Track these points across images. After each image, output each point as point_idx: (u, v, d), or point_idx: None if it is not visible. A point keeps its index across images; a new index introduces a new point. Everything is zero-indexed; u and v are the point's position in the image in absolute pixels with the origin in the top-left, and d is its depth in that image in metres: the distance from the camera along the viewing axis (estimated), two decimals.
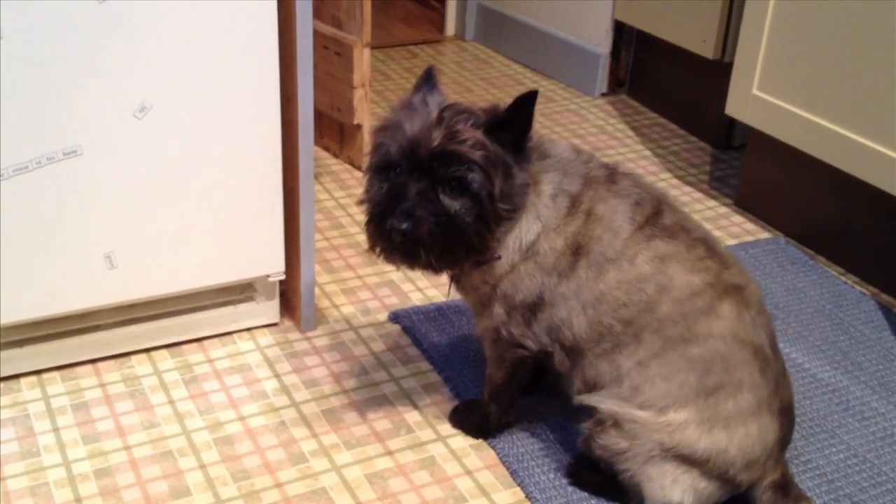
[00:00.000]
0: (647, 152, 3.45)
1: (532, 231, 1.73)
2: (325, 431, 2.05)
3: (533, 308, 1.78)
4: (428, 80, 1.75)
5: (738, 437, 1.68)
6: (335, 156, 3.24)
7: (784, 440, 1.76)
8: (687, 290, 1.68)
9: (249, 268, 2.21)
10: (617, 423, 1.72)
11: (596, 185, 1.75)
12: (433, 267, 1.67)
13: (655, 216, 1.74)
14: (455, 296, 1.95)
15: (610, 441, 1.73)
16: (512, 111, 1.63)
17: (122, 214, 2.01)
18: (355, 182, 3.09)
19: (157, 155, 1.99)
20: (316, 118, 3.15)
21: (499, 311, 1.81)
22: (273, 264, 2.23)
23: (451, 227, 1.62)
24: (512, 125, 1.63)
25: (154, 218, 2.05)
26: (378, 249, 1.69)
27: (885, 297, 2.66)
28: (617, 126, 3.65)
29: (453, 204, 1.62)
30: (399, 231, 1.59)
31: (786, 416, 1.75)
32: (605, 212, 1.73)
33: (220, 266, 2.18)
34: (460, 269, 1.77)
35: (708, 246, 1.75)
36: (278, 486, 1.90)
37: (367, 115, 3.06)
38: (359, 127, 3.07)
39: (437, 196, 1.62)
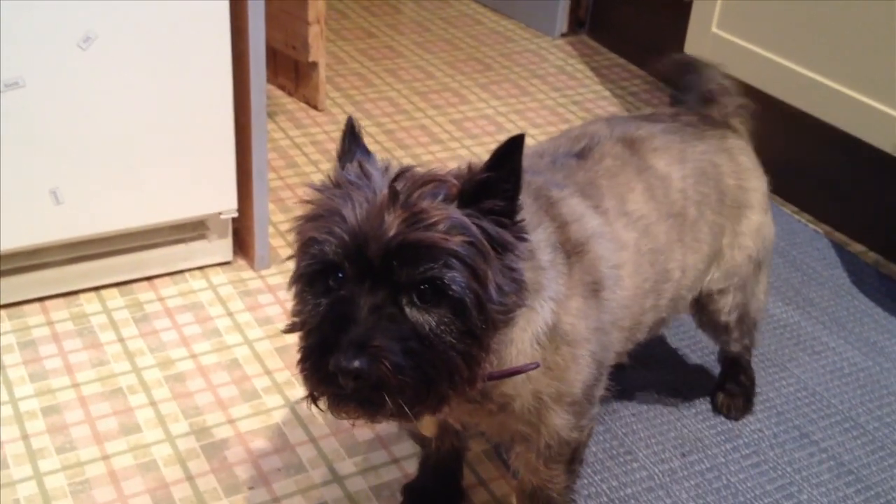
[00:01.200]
0: (607, 93, 3.43)
1: (549, 316, 1.34)
2: (278, 368, 2.03)
3: (597, 382, 1.47)
4: (354, 136, 1.27)
5: None
6: (290, 94, 3.18)
7: None
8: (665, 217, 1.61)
9: (201, 205, 2.18)
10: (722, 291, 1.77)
11: (550, 206, 1.43)
12: (405, 415, 1.18)
13: (593, 184, 1.56)
14: None
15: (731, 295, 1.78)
16: (495, 166, 1.18)
17: (67, 148, 1.96)
18: (311, 121, 3.04)
19: (102, 87, 1.94)
20: (270, 56, 3.10)
21: (560, 419, 1.42)
22: (225, 202, 2.19)
23: (427, 354, 1.15)
24: (495, 188, 1.19)
25: (101, 152, 2.00)
26: (322, 400, 1.20)
27: (839, 236, 2.68)
28: (577, 66, 3.62)
29: (427, 319, 1.15)
30: (349, 372, 1.11)
31: None
32: (580, 228, 1.45)
33: (171, 203, 2.14)
34: (444, 408, 1.24)
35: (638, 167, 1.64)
36: (231, 422, 1.89)
37: (322, 52, 3.00)
38: (314, 65, 3.01)
39: (401, 311, 1.15)
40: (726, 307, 1.79)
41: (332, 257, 1.15)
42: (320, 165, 2.79)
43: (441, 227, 1.14)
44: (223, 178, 2.15)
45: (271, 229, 2.46)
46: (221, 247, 2.30)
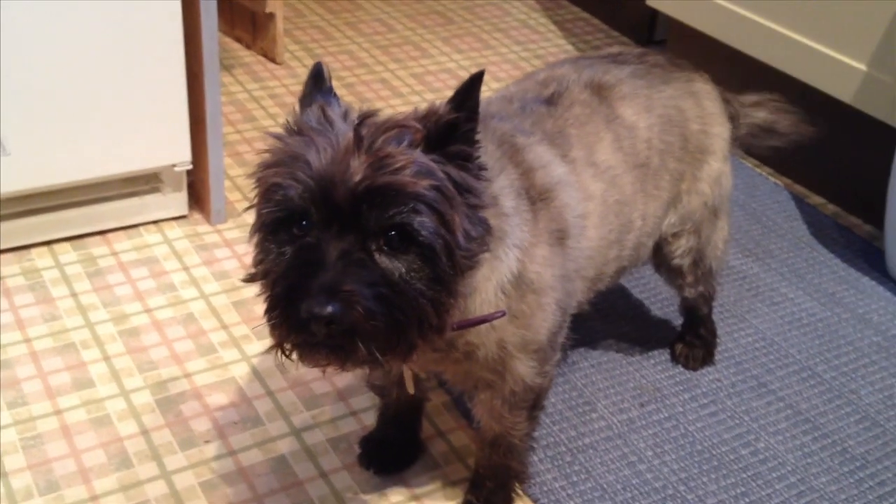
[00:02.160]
0: (570, 47, 3.40)
1: (514, 264, 1.33)
2: (235, 323, 2.01)
3: (560, 329, 1.48)
4: (318, 82, 1.23)
5: None
6: (248, 47, 3.12)
7: None
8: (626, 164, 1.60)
9: (154, 157, 2.13)
10: (676, 234, 1.76)
11: (514, 152, 1.41)
12: (376, 362, 1.16)
13: (561, 132, 1.55)
14: None
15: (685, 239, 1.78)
16: (457, 107, 1.16)
17: (12, 97, 1.90)
18: (269, 74, 2.99)
19: (47, 33, 1.88)
20: (226, 7, 3.04)
21: (524, 366, 1.42)
22: (179, 153, 2.15)
23: (397, 300, 1.14)
24: (457, 130, 1.17)
25: (47, 101, 1.94)
26: (290, 347, 1.17)
27: (799, 188, 2.69)
28: (540, 20, 3.58)
29: (397, 265, 1.14)
30: (322, 318, 1.09)
31: None
32: (546, 175, 1.43)
33: (122, 155, 2.09)
34: (413, 355, 1.23)
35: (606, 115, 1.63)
36: (187, 376, 1.86)
37: (279, 3, 2.94)
38: (271, 16, 2.95)
39: (370, 257, 1.13)
40: (679, 250, 1.78)
41: (297, 202, 1.13)
42: (278, 119, 2.75)
43: (408, 171, 1.12)
44: (176, 129, 2.10)
45: (228, 183, 2.42)
46: (176, 200, 2.25)
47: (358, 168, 1.11)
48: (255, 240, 1.21)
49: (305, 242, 1.14)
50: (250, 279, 1.21)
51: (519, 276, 1.34)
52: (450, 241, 1.15)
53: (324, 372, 1.24)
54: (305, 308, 1.09)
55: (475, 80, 1.16)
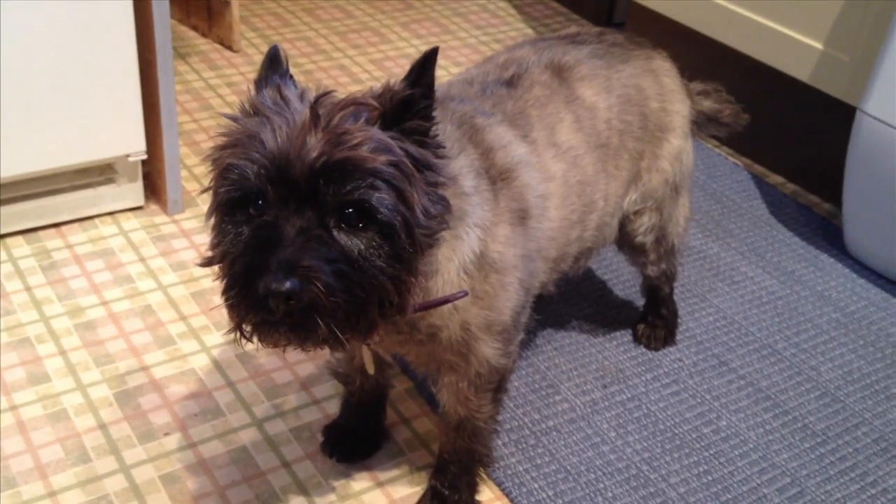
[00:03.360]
0: (529, 31, 3.39)
1: (475, 243, 1.32)
2: (193, 314, 1.98)
3: (523, 309, 1.47)
4: (274, 64, 1.22)
5: None
6: (203, 35, 3.07)
7: None
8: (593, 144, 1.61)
9: (107, 147, 2.09)
10: (638, 212, 1.76)
11: (474, 133, 1.40)
12: (337, 340, 1.15)
13: (523, 111, 1.53)
14: None
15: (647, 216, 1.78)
16: (413, 83, 1.16)
17: None
18: (226, 62, 2.95)
19: None
20: None
21: (489, 348, 1.42)
22: (132, 143, 2.11)
23: (356, 278, 1.12)
24: (414, 106, 1.17)
25: None
26: (249, 327, 1.15)
27: (758, 168, 2.70)
28: (499, 5, 3.57)
29: (356, 242, 1.13)
30: (280, 294, 1.07)
31: None
32: (507, 155, 1.43)
33: (75, 145, 2.05)
34: (374, 334, 1.22)
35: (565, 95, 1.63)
36: (144, 368, 1.83)
37: None
38: (227, 3, 2.91)
39: (328, 233, 1.12)
40: (642, 227, 1.79)
41: (253, 181, 1.11)
42: (235, 107, 2.69)
43: (365, 147, 1.11)
44: (129, 118, 2.07)
45: (185, 173, 2.39)
46: (132, 191, 2.22)
47: (315, 145, 1.10)
48: (211, 222, 1.20)
49: (263, 221, 1.13)
50: (207, 262, 1.19)
51: (481, 256, 1.34)
52: (409, 218, 1.14)
53: (283, 352, 1.22)
54: (263, 284, 1.07)
55: (429, 57, 1.15)
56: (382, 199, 1.11)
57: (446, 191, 1.23)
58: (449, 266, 1.31)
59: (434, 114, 1.19)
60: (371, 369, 1.48)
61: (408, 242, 1.15)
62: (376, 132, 1.13)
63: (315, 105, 1.14)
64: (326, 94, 1.17)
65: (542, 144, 1.52)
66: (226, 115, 1.20)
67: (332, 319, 1.12)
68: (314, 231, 1.11)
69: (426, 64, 1.15)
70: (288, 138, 1.11)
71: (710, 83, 1.90)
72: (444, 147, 1.22)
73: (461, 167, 1.33)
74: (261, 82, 1.21)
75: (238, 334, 1.17)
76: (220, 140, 1.19)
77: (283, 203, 1.12)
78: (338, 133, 1.11)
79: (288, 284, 1.07)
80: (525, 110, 1.53)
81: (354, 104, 1.15)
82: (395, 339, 1.39)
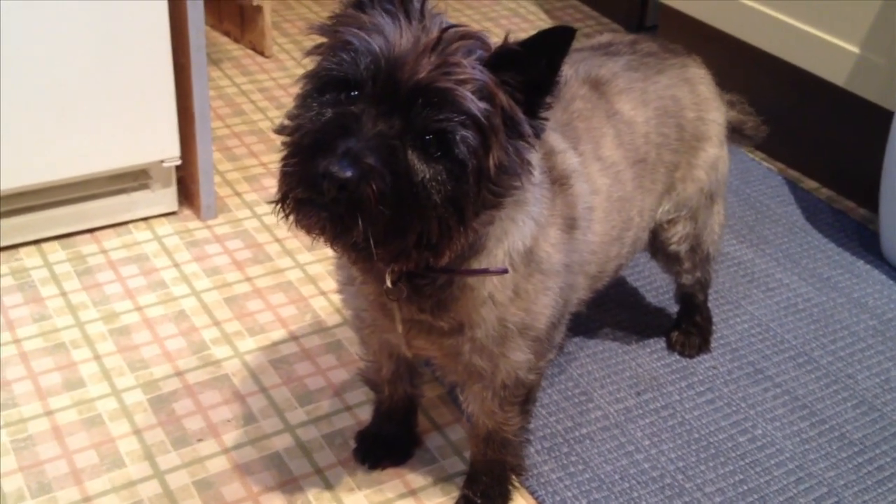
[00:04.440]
0: None
1: (528, 235, 1.32)
2: (227, 319, 1.99)
3: (559, 323, 1.46)
4: None
5: None
6: (236, 41, 3.09)
7: None
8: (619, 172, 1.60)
9: (142, 153, 2.10)
10: (672, 221, 1.76)
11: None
12: (367, 250, 1.15)
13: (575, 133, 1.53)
14: None
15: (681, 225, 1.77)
16: (533, 48, 1.14)
17: None
18: (258, 67, 2.96)
19: (33, 30, 1.85)
20: (215, 1, 3.01)
21: (521, 354, 1.40)
22: (167, 148, 2.12)
23: (410, 198, 1.12)
24: (529, 71, 1.15)
25: (33, 98, 1.91)
26: (292, 203, 1.15)
27: (792, 173, 2.68)
28: (530, 9, 3.56)
29: (424, 168, 1.12)
30: (336, 179, 1.08)
31: None
32: (564, 161, 1.42)
33: (110, 151, 2.06)
34: (402, 265, 1.25)
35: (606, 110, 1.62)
36: (178, 374, 1.84)
37: None
38: (259, 9, 2.92)
39: (403, 148, 1.12)
40: (676, 236, 1.77)
41: (360, 70, 1.12)
42: (268, 112, 2.72)
43: (469, 85, 1.11)
44: (164, 124, 2.08)
45: (218, 178, 2.40)
46: (166, 196, 2.23)
47: (426, 65, 1.11)
48: (300, 90, 1.20)
49: (348, 110, 1.13)
50: (281, 129, 1.19)
51: (530, 252, 1.33)
52: (483, 166, 1.14)
53: (312, 242, 1.21)
54: (325, 164, 1.08)
55: (561, 36, 1.12)
56: (466, 137, 1.11)
57: (528, 175, 1.23)
58: (497, 248, 1.30)
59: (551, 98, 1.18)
60: (400, 328, 1.42)
61: (473, 189, 1.15)
62: (483, 74, 1.13)
63: (443, 30, 1.14)
64: (456, 25, 1.16)
65: (590, 157, 1.52)
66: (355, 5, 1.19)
67: (372, 226, 1.11)
68: (392, 139, 1.11)
69: (550, 39, 1.13)
70: (409, 48, 1.11)
71: (734, 94, 1.89)
72: (547, 120, 1.21)
73: (533, 157, 1.30)
74: None
75: (281, 205, 1.16)
76: (349, 13, 1.18)
77: (375, 103, 1.11)
78: (450, 62, 1.11)
79: (348, 172, 1.07)
80: (572, 122, 1.53)
81: (475, 38, 1.15)
82: (416, 320, 1.36)
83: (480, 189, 1.16)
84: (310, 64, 1.21)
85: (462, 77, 1.11)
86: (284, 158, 1.15)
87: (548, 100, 1.18)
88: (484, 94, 1.12)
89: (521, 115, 1.17)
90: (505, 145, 1.16)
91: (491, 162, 1.15)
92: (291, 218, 1.16)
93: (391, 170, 1.10)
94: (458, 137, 1.11)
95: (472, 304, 1.33)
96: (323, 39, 1.21)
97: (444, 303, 1.33)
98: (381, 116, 1.11)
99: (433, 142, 1.12)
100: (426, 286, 1.31)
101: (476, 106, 1.11)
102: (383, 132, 1.11)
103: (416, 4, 1.17)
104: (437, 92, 1.10)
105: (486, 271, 1.30)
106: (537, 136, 1.20)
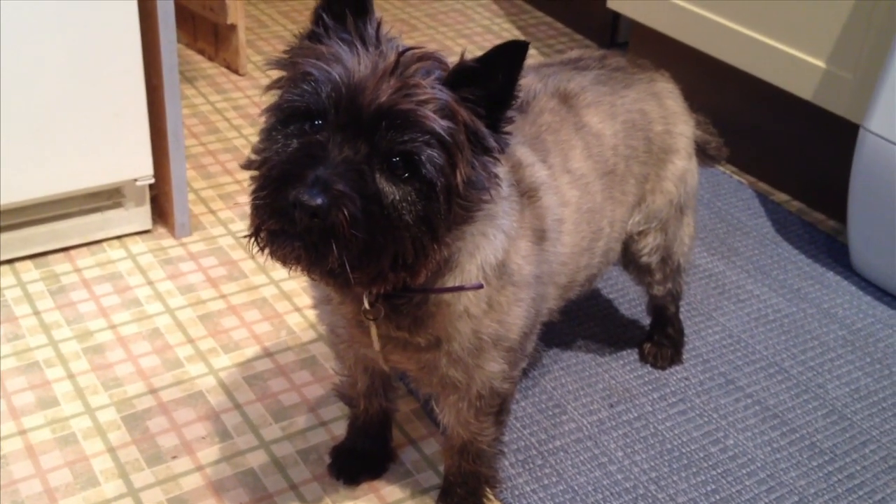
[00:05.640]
0: (533, 51, 3.41)
1: (499, 248, 1.33)
2: (201, 336, 1.99)
3: (531, 332, 1.47)
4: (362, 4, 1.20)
5: None
6: (210, 59, 3.10)
7: None
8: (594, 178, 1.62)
9: (114, 171, 2.11)
10: (642, 232, 1.77)
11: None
12: (343, 276, 1.16)
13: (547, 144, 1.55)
14: None
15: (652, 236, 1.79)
16: (489, 64, 1.16)
17: None
18: (232, 86, 2.97)
19: (3, 48, 1.85)
20: (189, 20, 3.02)
21: (495, 365, 1.41)
22: (140, 167, 2.13)
23: (382, 220, 1.14)
24: (488, 86, 1.17)
25: (5, 117, 1.91)
26: (265, 235, 1.16)
27: (763, 185, 2.71)
28: (503, 26, 3.59)
29: (393, 190, 1.14)
30: (308, 208, 1.09)
31: None
32: (532, 175, 1.44)
33: (83, 170, 2.06)
34: (379, 287, 1.25)
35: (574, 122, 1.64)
36: (153, 391, 1.84)
37: (241, 14, 2.92)
38: (233, 27, 2.93)
39: (371, 172, 1.14)
40: (647, 248, 1.79)
41: (322, 99, 1.14)
42: (243, 130, 2.73)
43: (431, 105, 1.13)
44: (136, 143, 2.09)
45: (192, 196, 2.40)
46: (139, 215, 2.23)
47: (386, 89, 1.13)
48: (264, 124, 1.22)
49: (314, 139, 1.14)
50: (248, 165, 1.20)
51: (502, 265, 1.35)
52: (452, 183, 1.16)
53: (289, 273, 1.21)
54: (295, 193, 1.09)
55: (514, 50, 1.14)
56: (432, 156, 1.13)
57: (496, 188, 1.25)
58: (470, 263, 1.32)
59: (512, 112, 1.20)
60: (377, 346, 1.44)
61: (444, 207, 1.17)
62: (444, 93, 1.15)
63: (401, 53, 1.16)
64: (414, 48, 1.18)
65: (559, 170, 1.54)
66: (310, 38, 1.21)
67: (346, 251, 1.13)
68: (359, 164, 1.13)
69: (505, 53, 1.14)
70: (368, 74, 1.14)
71: (699, 114, 1.92)
72: (510, 134, 1.23)
73: (500, 171, 1.33)
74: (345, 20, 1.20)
75: (254, 238, 1.18)
76: (305, 48, 1.20)
77: (340, 130, 1.13)
78: (410, 84, 1.14)
79: (318, 200, 1.09)
80: (540, 135, 1.55)
81: (432, 59, 1.17)
82: (392, 336, 1.38)
83: (451, 206, 1.18)
84: (271, 98, 1.22)
85: (423, 97, 1.13)
86: (254, 192, 1.16)
87: (509, 113, 1.20)
88: (446, 112, 1.14)
89: (484, 130, 1.19)
90: (471, 161, 1.19)
91: (459, 178, 1.16)
92: (266, 251, 1.17)
93: (361, 194, 1.11)
94: (423, 157, 1.13)
95: (449, 319, 1.35)
96: (282, 73, 1.22)
97: (422, 319, 1.35)
98: (347, 142, 1.13)
99: (400, 163, 1.14)
100: (403, 305, 1.33)
101: (439, 124, 1.13)
102: (350, 158, 1.12)
103: (371, 31, 1.19)
104: (399, 114, 1.12)
105: (461, 288, 1.32)
106: (502, 150, 1.22)
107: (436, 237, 1.19)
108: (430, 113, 1.13)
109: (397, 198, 1.14)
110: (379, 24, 1.20)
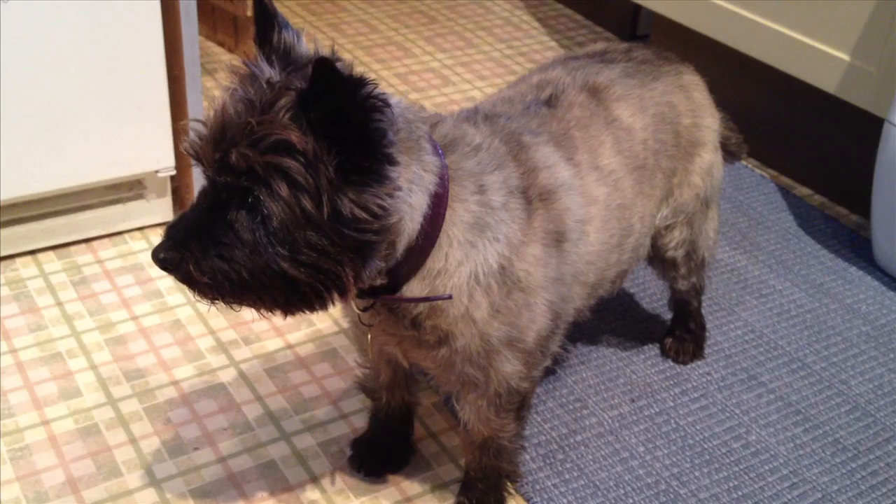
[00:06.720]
0: (553, 44, 3.40)
1: (491, 257, 1.33)
2: (223, 328, 1.99)
3: (552, 334, 1.48)
4: (266, 16, 1.21)
5: None
6: (230, 51, 3.10)
7: None
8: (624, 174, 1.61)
9: (136, 163, 2.11)
10: (669, 227, 1.77)
11: (520, 150, 1.42)
12: (283, 311, 1.24)
13: (566, 133, 1.54)
14: None
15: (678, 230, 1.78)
16: (318, 84, 1.10)
17: None
18: None
19: (27, 41, 1.86)
20: (209, 12, 3.03)
21: (510, 365, 1.42)
22: (162, 159, 2.13)
23: (246, 260, 1.17)
24: (342, 112, 1.12)
25: (28, 109, 1.92)
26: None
27: (785, 179, 2.69)
28: (523, 18, 3.57)
29: (249, 229, 1.17)
30: (158, 262, 1.19)
31: None
32: (550, 177, 1.43)
33: (105, 162, 2.07)
34: (311, 309, 1.25)
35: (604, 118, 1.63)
36: (174, 383, 1.85)
37: None
38: (253, 19, 2.93)
39: (223, 217, 1.17)
40: (673, 242, 1.78)
41: (192, 154, 1.19)
42: None
43: (265, 142, 1.11)
44: (158, 135, 2.09)
45: None
46: (161, 206, 2.24)
47: (224, 136, 1.14)
48: None
49: (202, 189, 1.21)
50: None
51: (504, 272, 1.35)
52: (310, 214, 1.13)
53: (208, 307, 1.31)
54: (153, 251, 1.19)
55: (325, 68, 1.07)
56: (273, 192, 1.13)
57: (470, 200, 1.29)
58: (460, 270, 1.31)
59: (382, 123, 1.16)
60: (372, 354, 1.47)
61: (317, 236, 1.15)
62: (289, 129, 1.11)
63: (273, 87, 1.14)
64: (279, 81, 1.15)
65: (586, 167, 1.53)
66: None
67: (217, 293, 1.20)
68: (217, 213, 1.17)
69: (323, 72, 1.08)
70: (217, 123, 1.16)
71: (718, 109, 1.90)
72: (388, 157, 1.18)
73: (493, 181, 1.35)
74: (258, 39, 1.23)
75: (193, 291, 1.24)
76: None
77: (206, 179, 1.19)
78: (261, 122, 1.11)
79: (162, 255, 1.18)
80: (569, 131, 1.54)
81: (279, 91, 1.14)
82: (404, 335, 1.39)
83: (330, 232, 1.15)
84: None
85: (258, 136, 1.11)
86: None
87: (377, 130, 1.15)
88: (285, 148, 1.11)
89: (356, 159, 1.14)
90: (344, 189, 1.14)
91: (324, 210, 1.13)
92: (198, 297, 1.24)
93: (215, 241, 1.16)
94: (261, 196, 1.13)
95: (446, 320, 1.35)
96: None
97: (419, 320, 1.36)
98: (209, 191, 1.18)
99: (252, 203, 1.15)
100: (396, 307, 1.35)
101: (278, 161, 1.11)
102: (209, 207, 1.17)
103: (275, 61, 1.19)
104: (232, 162, 1.12)
105: (427, 299, 1.32)
106: (385, 164, 1.17)
107: (336, 259, 1.18)
108: (266, 151, 1.11)
109: (261, 235, 1.16)
110: (289, 48, 1.21)
